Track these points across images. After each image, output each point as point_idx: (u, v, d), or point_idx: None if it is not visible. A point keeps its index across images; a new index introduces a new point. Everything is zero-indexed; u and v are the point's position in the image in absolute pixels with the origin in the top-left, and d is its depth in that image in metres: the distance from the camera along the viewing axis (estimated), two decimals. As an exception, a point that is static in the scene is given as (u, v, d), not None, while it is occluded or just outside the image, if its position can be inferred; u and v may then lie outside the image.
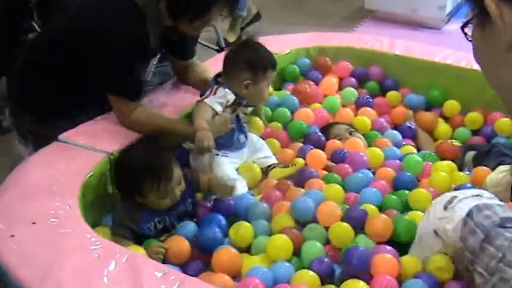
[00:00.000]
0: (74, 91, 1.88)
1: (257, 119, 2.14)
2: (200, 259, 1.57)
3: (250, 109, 2.04)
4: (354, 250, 1.48)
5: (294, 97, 2.34)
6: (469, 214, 1.38)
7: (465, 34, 0.78)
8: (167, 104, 2.03)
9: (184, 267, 1.55)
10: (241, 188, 1.81)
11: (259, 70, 1.85)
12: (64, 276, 1.26)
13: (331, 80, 2.52)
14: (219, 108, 1.81)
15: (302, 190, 1.79)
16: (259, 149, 1.99)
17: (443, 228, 1.45)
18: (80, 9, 1.86)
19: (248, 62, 1.85)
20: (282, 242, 1.57)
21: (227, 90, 1.83)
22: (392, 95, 2.48)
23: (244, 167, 1.92)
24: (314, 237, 1.60)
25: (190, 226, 1.66)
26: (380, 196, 1.77)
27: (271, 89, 2.33)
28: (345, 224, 1.62)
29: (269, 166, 1.94)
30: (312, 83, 2.45)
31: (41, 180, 1.58)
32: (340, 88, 2.52)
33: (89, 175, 1.63)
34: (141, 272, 1.29)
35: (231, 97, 1.84)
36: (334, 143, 2.06)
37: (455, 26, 4.21)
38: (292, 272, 1.52)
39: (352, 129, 2.15)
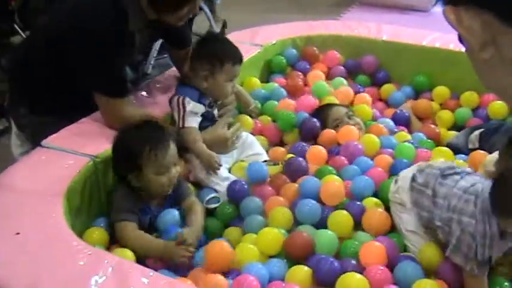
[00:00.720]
0: (65, 90, 1.87)
1: (246, 116, 2.11)
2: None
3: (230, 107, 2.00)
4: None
5: (282, 89, 2.31)
6: (413, 178, 1.51)
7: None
8: (161, 97, 2.01)
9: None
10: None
11: (216, 62, 1.83)
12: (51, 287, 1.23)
13: (320, 70, 2.49)
14: (195, 123, 1.82)
15: (296, 185, 1.77)
16: (249, 147, 1.96)
17: (400, 199, 1.54)
18: (65, 9, 1.83)
19: (206, 54, 1.85)
20: (273, 236, 1.56)
21: (189, 100, 1.82)
22: (386, 88, 2.47)
23: (237, 167, 1.91)
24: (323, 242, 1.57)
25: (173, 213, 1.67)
26: (372, 185, 1.75)
27: (257, 83, 2.31)
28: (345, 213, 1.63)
29: None
30: (300, 73, 2.43)
31: (24, 188, 1.55)
32: (329, 78, 2.48)
33: (73, 180, 1.60)
34: (129, 279, 1.26)
35: (198, 108, 1.83)
36: (329, 133, 2.02)
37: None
38: (286, 269, 1.51)
39: (350, 113, 2.12)
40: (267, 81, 2.44)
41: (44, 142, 1.73)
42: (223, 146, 1.88)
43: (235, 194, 1.77)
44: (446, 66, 2.39)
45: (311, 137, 2.05)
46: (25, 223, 1.42)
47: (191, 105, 1.82)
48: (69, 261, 1.31)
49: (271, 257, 1.56)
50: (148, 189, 1.65)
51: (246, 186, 1.78)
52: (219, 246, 1.53)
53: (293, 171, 1.83)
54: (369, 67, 2.55)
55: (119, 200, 1.65)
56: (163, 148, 1.62)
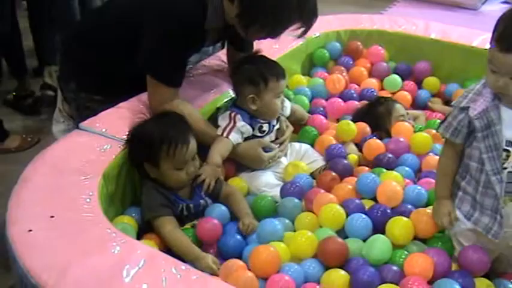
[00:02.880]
0: (118, 69, 1.85)
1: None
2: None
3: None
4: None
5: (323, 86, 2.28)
6: None
7: None
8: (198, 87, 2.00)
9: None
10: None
11: (260, 82, 1.80)
12: (82, 275, 1.22)
13: (363, 66, 2.44)
14: (235, 140, 1.80)
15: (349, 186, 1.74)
16: (303, 156, 1.95)
17: None
18: None
19: (248, 77, 1.82)
20: (307, 239, 1.53)
21: (242, 122, 1.81)
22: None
23: (291, 166, 1.88)
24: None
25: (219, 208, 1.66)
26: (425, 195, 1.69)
27: (304, 79, 2.26)
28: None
29: (317, 170, 1.90)
30: (343, 69, 2.38)
31: (61, 169, 1.54)
32: (372, 75, 2.43)
33: (109, 165, 1.59)
34: (161, 272, 1.24)
35: (245, 129, 1.82)
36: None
37: (492, 6, 4.05)
38: (321, 271, 1.47)
39: (407, 112, 2.12)
40: (309, 75, 2.41)
41: (82, 124, 1.73)
42: (256, 164, 1.86)
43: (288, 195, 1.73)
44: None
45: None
46: (59, 206, 1.41)
47: (241, 124, 1.81)
48: (102, 249, 1.29)
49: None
50: (165, 181, 1.62)
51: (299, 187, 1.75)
52: (266, 252, 1.47)
53: (339, 171, 1.81)
54: (421, 73, 2.45)
55: (147, 196, 1.62)
56: (183, 144, 1.59)
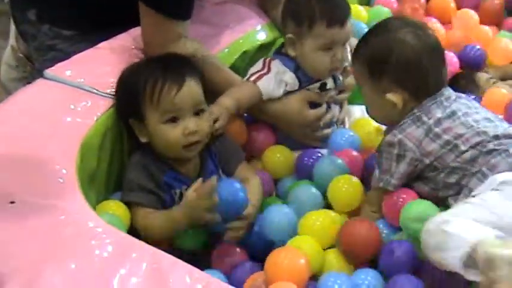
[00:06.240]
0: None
1: None
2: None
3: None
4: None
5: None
6: None
7: None
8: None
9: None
10: None
11: (304, 21, 1.80)
12: (56, 283, 1.21)
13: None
14: (271, 88, 1.82)
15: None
16: None
17: None
18: None
19: (294, 9, 1.85)
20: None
21: (282, 67, 1.83)
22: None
23: (358, 123, 1.94)
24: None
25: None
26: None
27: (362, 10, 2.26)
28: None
29: None
30: None
31: (19, 140, 1.53)
32: (458, 6, 2.45)
33: (88, 132, 1.59)
34: (169, 278, 1.24)
35: (289, 77, 1.83)
36: None
37: None
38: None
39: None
40: (368, 4, 2.44)
41: (48, 72, 1.71)
42: (299, 128, 1.88)
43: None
44: None
45: None
46: (21, 189, 1.39)
47: (281, 69, 1.82)
48: (84, 249, 1.28)
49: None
50: (156, 146, 1.63)
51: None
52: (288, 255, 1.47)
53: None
54: None
55: (130, 173, 1.64)
56: (173, 84, 1.58)
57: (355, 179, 1.66)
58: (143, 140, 1.63)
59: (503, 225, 1.34)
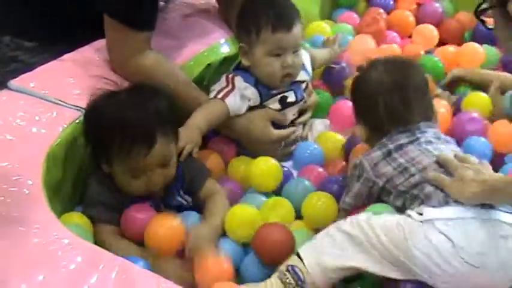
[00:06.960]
0: (60, 2, 1.88)
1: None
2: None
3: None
4: None
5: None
6: None
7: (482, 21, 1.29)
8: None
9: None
10: None
11: (251, 30, 1.81)
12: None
13: (406, 8, 2.49)
14: (237, 105, 1.82)
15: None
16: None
17: None
18: None
19: (244, 19, 1.85)
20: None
21: (244, 83, 1.83)
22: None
23: (322, 136, 1.95)
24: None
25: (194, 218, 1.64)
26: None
27: (325, 25, 2.29)
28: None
29: None
30: (382, 11, 2.40)
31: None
32: (419, 20, 2.46)
33: (54, 142, 1.58)
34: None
35: (251, 92, 1.83)
36: None
37: None
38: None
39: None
40: (331, 18, 2.48)
41: (13, 83, 1.71)
42: (262, 145, 1.87)
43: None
44: None
45: None
46: (-14, 200, 1.37)
47: (243, 85, 1.81)
48: (51, 261, 1.27)
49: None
50: (121, 186, 1.60)
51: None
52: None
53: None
54: None
55: (91, 187, 1.62)
56: (141, 143, 1.52)
57: (329, 196, 1.67)
58: (106, 171, 1.60)
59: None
